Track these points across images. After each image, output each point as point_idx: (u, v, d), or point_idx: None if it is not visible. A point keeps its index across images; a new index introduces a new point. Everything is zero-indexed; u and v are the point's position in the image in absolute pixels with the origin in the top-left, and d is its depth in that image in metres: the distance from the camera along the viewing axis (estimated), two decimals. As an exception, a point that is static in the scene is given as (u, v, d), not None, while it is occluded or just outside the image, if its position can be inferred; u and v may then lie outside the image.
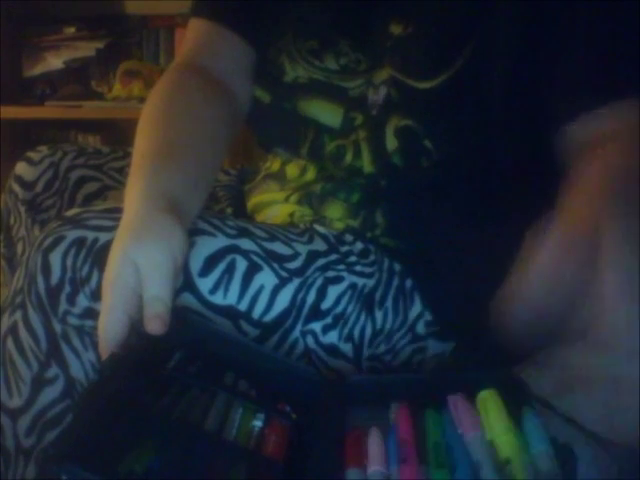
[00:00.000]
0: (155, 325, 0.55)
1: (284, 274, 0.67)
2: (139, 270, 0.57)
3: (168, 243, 0.59)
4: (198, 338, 0.58)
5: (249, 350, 0.60)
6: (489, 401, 0.52)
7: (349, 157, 0.77)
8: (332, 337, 0.69)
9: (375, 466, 0.48)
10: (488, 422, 0.50)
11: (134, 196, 0.63)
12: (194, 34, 0.88)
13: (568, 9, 0.70)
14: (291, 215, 0.81)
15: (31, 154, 0.89)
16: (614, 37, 0.70)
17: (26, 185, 0.87)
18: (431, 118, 0.73)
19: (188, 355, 0.56)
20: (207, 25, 0.86)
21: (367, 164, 0.77)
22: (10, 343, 0.64)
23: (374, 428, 0.52)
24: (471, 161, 0.76)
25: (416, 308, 0.75)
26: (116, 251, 0.58)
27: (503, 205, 0.78)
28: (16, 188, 0.87)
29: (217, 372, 0.57)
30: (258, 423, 0.52)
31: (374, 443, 0.50)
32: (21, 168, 0.88)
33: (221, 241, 0.65)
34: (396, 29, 0.76)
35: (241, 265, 0.65)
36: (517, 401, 0.52)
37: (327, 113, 0.78)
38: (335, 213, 0.78)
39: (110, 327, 0.56)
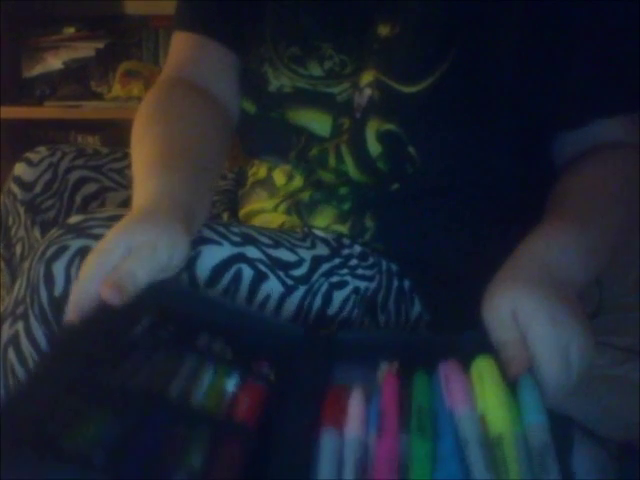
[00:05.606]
0: (110, 293, 0.51)
1: (290, 282, 0.67)
2: (130, 250, 0.55)
3: (169, 237, 0.56)
4: (170, 302, 0.54)
5: (228, 310, 0.56)
6: (485, 369, 0.49)
7: (332, 161, 0.76)
8: None
9: (353, 430, 0.45)
10: (482, 394, 0.47)
11: (144, 196, 0.61)
12: (178, 48, 0.88)
13: (569, 13, 0.69)
14: (281, 226, 0.80)
15: (30, 155, 0.88)
16: (622, 47, 0.70)
17: (25, 186, 0.87)
18: (414, 124, 0.72)
19: (159, 320, 0.53)
20: (189, 37, 0.86)
21: (351, 168, 0.75)
22: (11, 354, 0.63)
23: (357, 388, 0.48)
24: (457, 168, 0.75)
25: (416, 309, 0.75)
26: (114, 229, 0.56)
27: (491, 207, 0.78)
28: (15, 189, 0.87)
29: (190, 334, 0.53)
30: (230, 386, 0.49)
31: (355, 404, 0.47)
32: (20, 169, 0.87)
33: (227, 249, 0.65)
34: (383, 30, 0.74)
35: (247, 274, 0.65)
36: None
37: (316, 122, 0.77)
38: (324, 221, 0.77)
39: (81, 296, 0.54)
